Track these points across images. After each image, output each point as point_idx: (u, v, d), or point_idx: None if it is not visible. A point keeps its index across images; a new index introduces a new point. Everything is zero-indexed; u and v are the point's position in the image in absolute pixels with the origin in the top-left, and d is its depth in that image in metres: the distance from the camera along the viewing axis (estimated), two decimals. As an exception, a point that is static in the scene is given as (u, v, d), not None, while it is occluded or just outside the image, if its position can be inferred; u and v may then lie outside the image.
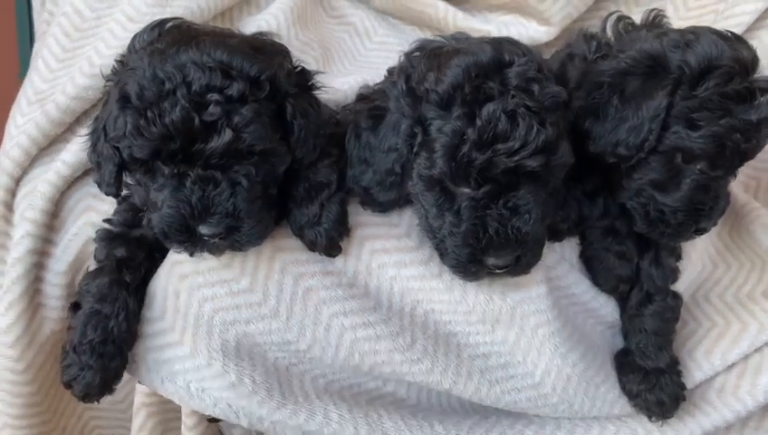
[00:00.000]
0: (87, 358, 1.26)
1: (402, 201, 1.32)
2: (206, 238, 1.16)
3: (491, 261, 1.21)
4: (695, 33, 1.27)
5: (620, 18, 1.39)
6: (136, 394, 1.76)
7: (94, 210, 1.46)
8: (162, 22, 1.27)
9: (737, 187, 1.66)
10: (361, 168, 1.31)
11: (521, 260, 1.22)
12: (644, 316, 1.46)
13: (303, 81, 1.31)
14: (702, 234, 1.35)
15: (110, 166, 1.22)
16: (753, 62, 1.24)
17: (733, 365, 1.51)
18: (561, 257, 1.45)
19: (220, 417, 1.33)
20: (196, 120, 1.09)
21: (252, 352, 1.30)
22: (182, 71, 1.11)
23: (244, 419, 1.30)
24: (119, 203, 1.39)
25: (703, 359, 1.52)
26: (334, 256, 1.32)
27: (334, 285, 1.32)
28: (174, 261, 1.32)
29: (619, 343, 1.53)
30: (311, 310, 1.30)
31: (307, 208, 1.28)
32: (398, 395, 1.43)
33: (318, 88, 1.34)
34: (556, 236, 1.42)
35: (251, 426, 1.32)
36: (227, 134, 1.10)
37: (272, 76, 1.19)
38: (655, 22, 1.38)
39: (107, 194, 1.30)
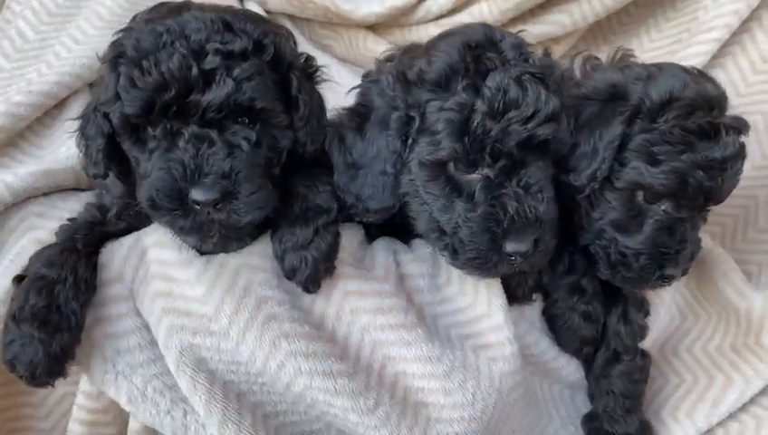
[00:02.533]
0: (28, 326, 1.07)
1: (396, 207, 1.20)
2: (198, 206, 1.03)
3: (511, 247, 1.10)
4: (659, 67, 1.25)
5: (588, 57, 1.37)
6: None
7: (40, 228, 1.31)
8: (164, 3, 1.18)
9: (703, 233, 1.63)
10: (350, 173, 1.20)
11: (538, 245, 1.12)
12: (611, 377, 1.38)
13: (308, 66, 1.24)
14: (670, 282, 1.28)
15: (99, 139, 1.12)
16: (720, 99, 1.22)
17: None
18: (521, 315, 1.37)
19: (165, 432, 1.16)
20: (194, 69, 1.02)
21: (199, 368, 1.13)
22: (182, 25, 1.05)
23: None
24: (85, 210, 1.27)
25: (668, 417, 1.44)
26: (310, 292, 1.18)
27: (301, 319, 1.17)
28: (149, 242, 1.18)
29: (581, 402, 1.45)
30: (266, 342, 1.13)
31: (300, 229, 1.15)
32: None
33: (322, 80, 1.26)
34: (510, 300, 1.32)
35: None
36: (227, 84, 1.03)
37: (276, 42, 1.13)
38: (621, 59, 1.36)
39: (94, 176, 1.18)
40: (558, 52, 2.03)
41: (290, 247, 1.15)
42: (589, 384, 1.43)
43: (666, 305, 1.52)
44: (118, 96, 1.05)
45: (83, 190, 1.42)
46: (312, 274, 1.15)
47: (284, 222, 1.17)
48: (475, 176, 1.13)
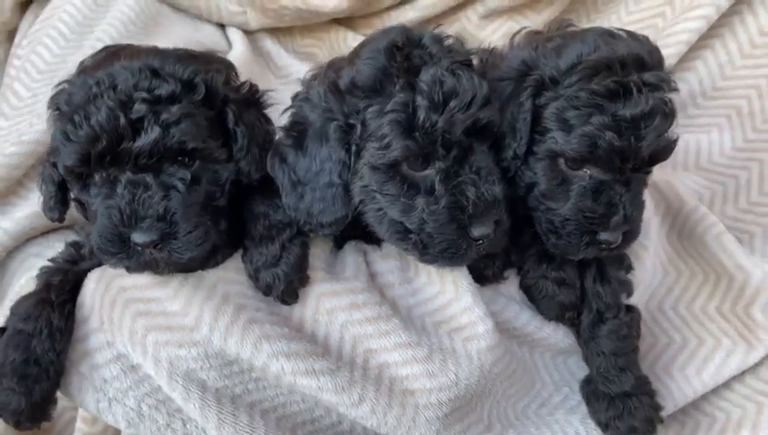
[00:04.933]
0: (9, 381, 1.17)
1: (350, 217, 1.22)
2: (139, 248, 1.10)
3: (478, 231, 1.14)
4: (574, 35, 1.24)
5: (529, 33, 1.35)
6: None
7: (36, 268, 1.38)
8: (108, 47, 1.26)
9: (687, 192, 1.60)
10: (297, 192, 1.22)
11: (499, 225, 1.17)
12: (599, 338, 1.37)
13: (250, 95, 1.29)
14: (609, 247, 1.24)
15: (50, 186, 1.21)
16: (635, 57, 1.17)
17: (714, 420, 1.44)
18: (497, 292, 1.39)
19: None
20: (122, 119, 1.08)
21: (189, 378, 1.18)
22: (111, 76, 1.12)
23: None
24: (64, 248, 1.36)
25: (664, 374, 1.45)
26: (288, 304, 1.25)
27: (281, 323, 1.23)
28: (115, 273, 1.25)
29: (574, 365, 1.46)
30: (248, 345, 1.18)
31: (266, 248, 1.21)
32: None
33: (268, 105, 1.32)
34: (482, 281, 1.35)
35: None
36: (154, 131, 1.09)
37: (207, 79, 1.18)
38: (558, 29, 1.34)
39: (51, 219, 1.26)
40: (538, 21, 2.01)
41: (261, 266, 1.21)
42: (581, 349, 1.43)
43: (651, 258, 1.51)
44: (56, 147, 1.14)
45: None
46: (286, 288, 1.21)
47: (251, 243, 1.23)
48: (429, 171, 1.16)
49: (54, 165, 1.17)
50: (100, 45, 1.70)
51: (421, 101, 1.10)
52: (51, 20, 1.84)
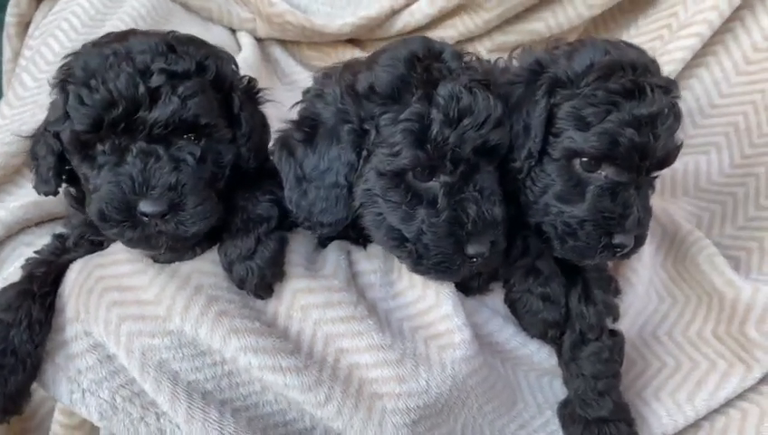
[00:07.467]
0: None
1: (349, 219, 1.22)
2: (146, 218, 1.09)
3: (473, 249, 1.14)
4: (583, 42, 1.27)
5: (526, 49, 1.36)
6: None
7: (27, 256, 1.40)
8: (112, 32, 1.26)
9: (682, 216, 1.58)
10: (301, 188, 1.22)
11: (495, 246, 1.17)
12: (580, 359, 1.34)
13: (249, 88, 1.31)
14: (622, 251, 1.24)
15: (49, 157, 1.19)
16: (644, 62, 1.22)
17: (699, 427, 1.40)
18: (481, 304, 1.36)
19: None
20: (141, 87, 1.08)
21: (161, 369, 1.17)
22: (128, 48, 1.12)
23: None
24: (50, 240, 1.36)
25: (653, 400, 1.40)
26: (263, 299, 1.23)
27: (252, 317, 1.21)
28: (97, 262, 1.24)
29: (559, 388, 1.42)
30: (216, 338, 1.16)
31: (241, 241, 1.20)
32: None
33: (264, 101, 1.34)
34: (466, 292, 1.33)
35: None
36: (173, 102, 1.10)
37: (218, 63, 1.20)
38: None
39: (45, 194, 1.24)
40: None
41: (235, 259, 1.20)
42: (561, 370, 1.40)
43: (644, 284, 1.49)
44: (67, 115, 1.12)
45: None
46: (259, 282, 1.20)
47: (227, 235, 1.22)
48: (434, 183, 1.17)
49: (56, 135, 1.17)
50: (109, 39, 1.77)
51: (436, 114, 1.11)
52: (63, 12, 1.88)
